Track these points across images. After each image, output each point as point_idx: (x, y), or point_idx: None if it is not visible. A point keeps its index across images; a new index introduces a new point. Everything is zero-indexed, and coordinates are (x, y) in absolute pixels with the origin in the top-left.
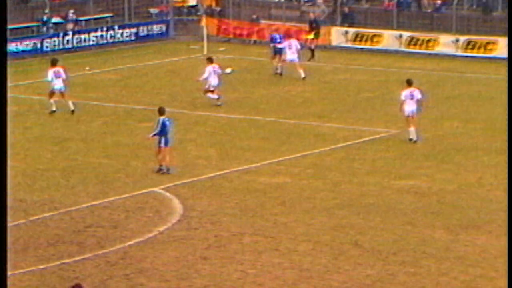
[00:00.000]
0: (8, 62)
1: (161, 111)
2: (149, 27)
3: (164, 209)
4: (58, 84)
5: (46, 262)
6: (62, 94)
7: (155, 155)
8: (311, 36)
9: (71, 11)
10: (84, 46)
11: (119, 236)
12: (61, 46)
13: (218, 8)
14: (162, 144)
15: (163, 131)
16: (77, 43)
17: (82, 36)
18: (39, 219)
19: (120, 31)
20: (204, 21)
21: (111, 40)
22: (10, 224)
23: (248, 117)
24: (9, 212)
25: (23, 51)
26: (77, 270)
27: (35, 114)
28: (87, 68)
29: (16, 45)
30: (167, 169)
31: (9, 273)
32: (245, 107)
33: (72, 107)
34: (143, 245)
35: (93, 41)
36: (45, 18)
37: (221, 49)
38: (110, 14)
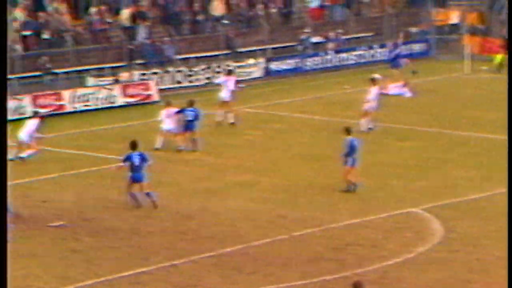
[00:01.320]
0: (271, 81)
1: (348, 131)
2: (410, 46)
3: (424, 229)
4: (225, 94)
5: (307, 278)
6: (228, 103)
7: (343, 175)
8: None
9: (340, 30)
10: (345, 65)
11: (378, 255)
12: (321, 65)
13: (482, 27)
14: (349, 164)
15: (351, 151)
16: (338, 62)
17: (343, 55)
18: (300, 235)
19: (380, 50)
20: (466, 40)
21: (371, 59)
22: (272, 239)
23: None
24: (271, 227)
25: (286, 70)
26: None
27: (296, 132)
28: (346, 86)
29: (278, 64)
30: (354, 186)
31: (271, 287)
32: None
33: (232, 120)
34: (402, 266)
35: (353, 60)
36: (303, 37)
37: (483, 68)
38: (371, 34)
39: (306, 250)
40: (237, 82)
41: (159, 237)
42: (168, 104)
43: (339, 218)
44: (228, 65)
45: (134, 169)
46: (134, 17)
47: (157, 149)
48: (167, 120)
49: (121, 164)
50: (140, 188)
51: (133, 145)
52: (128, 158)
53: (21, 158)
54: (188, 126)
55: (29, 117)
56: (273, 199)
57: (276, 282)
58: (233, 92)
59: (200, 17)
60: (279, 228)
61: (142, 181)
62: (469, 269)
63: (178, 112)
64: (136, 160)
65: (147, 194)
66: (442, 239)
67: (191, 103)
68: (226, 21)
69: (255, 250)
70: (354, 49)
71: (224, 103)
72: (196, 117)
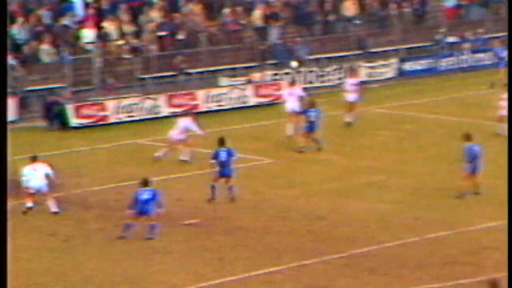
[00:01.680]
0: (404, 81)
1: (468, 137)
2: None
3: None
4: (348, 95)
5: (441, 281)
6: (352, 104)
7: (461, 181)
8: None
9: (480, 30)
10: (481, 65)
11: None
12: (456, 66)
13: None
14: (469, 171)
15: (471, 158)
16: (474, 62)
17: (479, 56)
18: (434, 237)
19: None
20: None
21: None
22: (404, 240)
23: None
24: (403, 229)
25: (419, 70)
26: None
27: (430, 133)
28: (484, 87)
29: (412, 65)
30: (470, 193)
31: None
32: None
33: (349, 119)
34: None
35: (490, 60)
36: (438, 37)
37: None
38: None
39: (440, 253)
40: (361, 83)
41: (291, 237)
42: (292, 83)
43: (474, 221)
44: (352, 66)
45: (221, 164)
46: (267, 18)
47: (290, 137)
48: (290, 98)
49: (212, 161)
50: (226, 182)
51: (221, 142)
52: (215, 155)
53: (156, 157)
54: (310, 127)
55: (181, 116)
56: (405, 200)
57: (409, 284)
58: (356, 93)
59: (331, 17)
60: (411, 230)
61: (229, 176)
62: None
63: (301, 113)
64: (222, 156)
65: (230, 188)
66: None
67: (312, 104)
68: (358, 21)
69: (388, 252)
70: (491, 49)
71: (350, 104)
72: (318, 118)
